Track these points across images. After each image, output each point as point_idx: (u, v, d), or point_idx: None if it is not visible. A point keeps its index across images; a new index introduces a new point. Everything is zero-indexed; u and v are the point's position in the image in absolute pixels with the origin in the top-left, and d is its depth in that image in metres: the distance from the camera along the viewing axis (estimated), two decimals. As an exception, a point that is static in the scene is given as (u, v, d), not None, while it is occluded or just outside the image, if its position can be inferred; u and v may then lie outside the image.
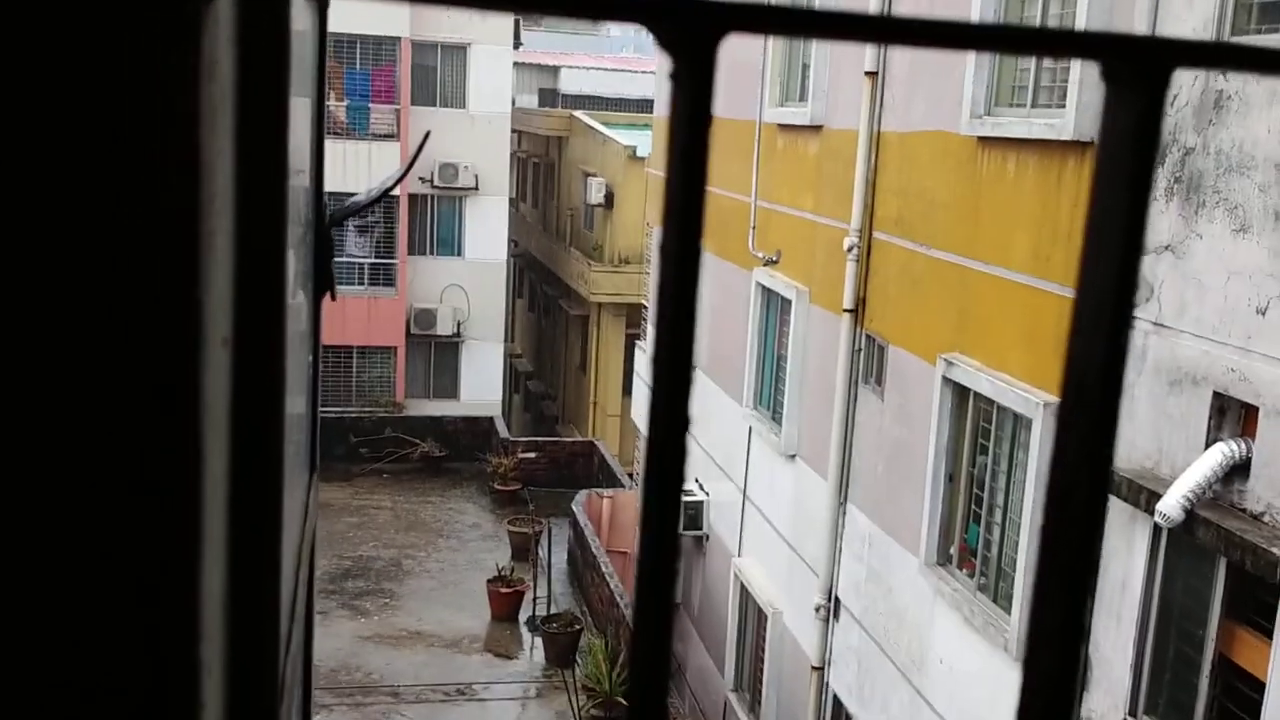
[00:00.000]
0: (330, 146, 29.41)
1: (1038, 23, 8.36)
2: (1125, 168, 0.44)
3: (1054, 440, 0.46)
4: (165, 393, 0.57)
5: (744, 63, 13.71)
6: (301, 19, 1.17)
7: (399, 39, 25.70)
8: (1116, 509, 7.16)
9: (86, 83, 0.50)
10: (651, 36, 0.43)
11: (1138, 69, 0.45)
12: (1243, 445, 6.23)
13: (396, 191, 25.39)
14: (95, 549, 0.56)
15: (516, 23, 27.77)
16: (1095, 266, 0.45)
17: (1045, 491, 0.48)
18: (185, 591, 0.59)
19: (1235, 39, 6.46)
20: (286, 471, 1.14)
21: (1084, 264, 0.45)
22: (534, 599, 17.74)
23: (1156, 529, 6.74)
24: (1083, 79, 7.56)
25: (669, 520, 0.45)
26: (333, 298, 1.66)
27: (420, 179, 26.08)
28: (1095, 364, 0.45)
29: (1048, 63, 8.32)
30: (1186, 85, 6.71)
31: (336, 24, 24.04)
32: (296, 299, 1.35)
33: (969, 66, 8.90)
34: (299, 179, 1.33)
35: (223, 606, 0.78)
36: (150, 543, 0.57)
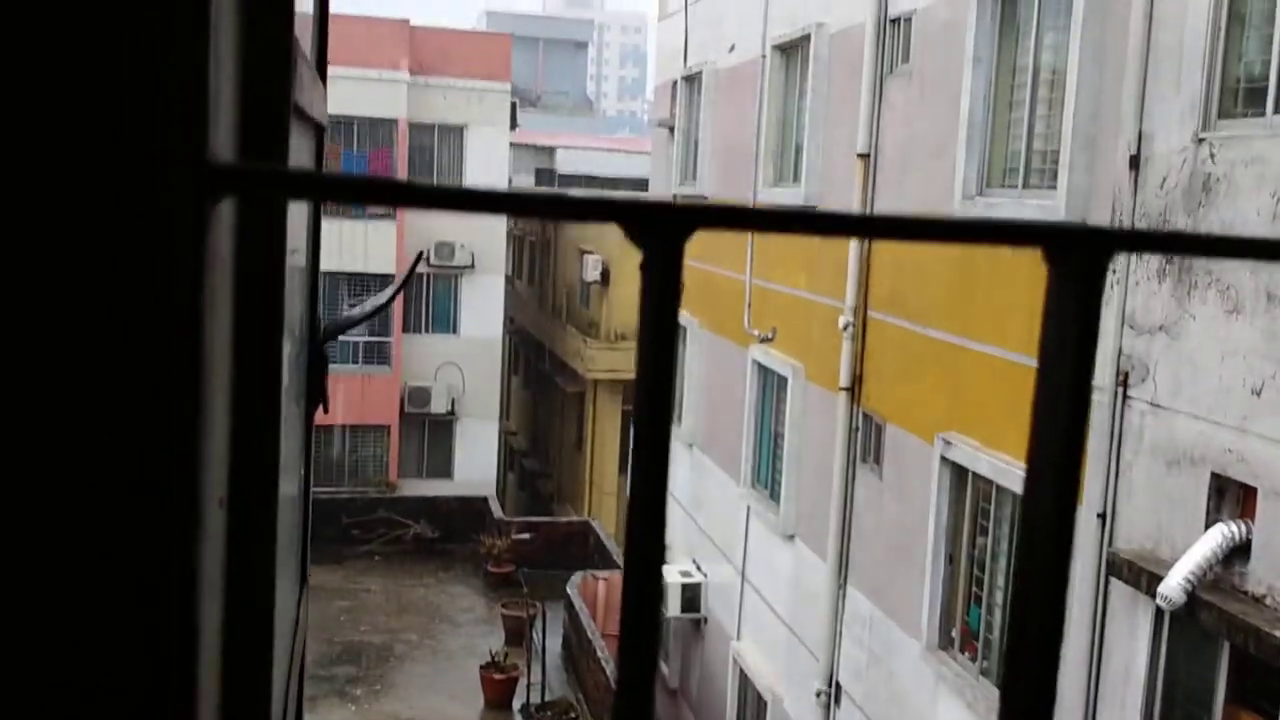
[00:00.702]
0: (327, 226, 29.70)
1: (1027, 108, 8.48)
2: (1070, 346, 0.47)
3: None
4: (162, 559, 0.57)
5: (738, 143, 13.89)
6: (300, 145, 1.18)
7: (396, 120, 26.03)
8: (1118, 591, 7.10)
9: (99, 280, 0.52)
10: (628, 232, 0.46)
11: (1078, 255, 0.48)
12: (1242, 526, 6.20)
13: (393, 271, 25.53)
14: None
15: (513, 104, 28.18)
16: (1042, 445, 0.48)
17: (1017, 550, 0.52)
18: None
19: (1222, 121, 6.55)
20: (276, 593, 1.13)
21: (1032, 441, 0.49)
22: (528, 685, 17.48)
23: (1159, 612, 6.67)
24: (1073, 161, 7.65)
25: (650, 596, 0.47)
26: (325, 411, 1.65)
27: (420, 262, 26.18)
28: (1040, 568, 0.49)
29: (1038, 144, 8.43)
30: (1175, 168, 6.79)
31: (335, 106, 24.39)
32: (293, 416, 1.34)
33: (960, 148, 9.01)
34: (297, 297, 1.33)
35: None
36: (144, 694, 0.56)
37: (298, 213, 1.31)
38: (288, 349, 1.28)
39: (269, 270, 0.78)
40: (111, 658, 0.56)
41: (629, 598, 0.46)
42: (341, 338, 26.14)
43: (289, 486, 1.34)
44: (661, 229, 0.45)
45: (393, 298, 2.34)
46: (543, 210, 0.48)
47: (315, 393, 1.58)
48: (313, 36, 1.51)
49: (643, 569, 0.46)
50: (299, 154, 1.15)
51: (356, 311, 2.31)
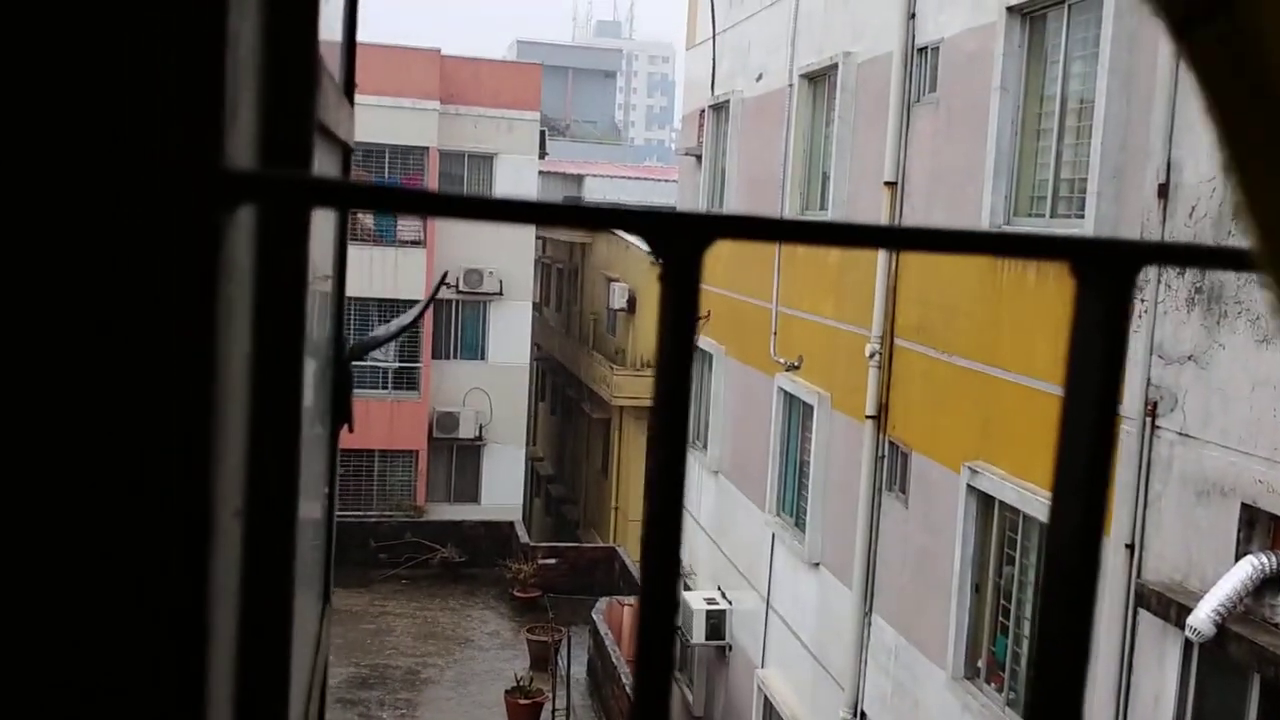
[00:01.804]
0: (358, 253, 29.66)
1: (1054, 137, 8.47)
2: (1096, 362, 0.46)
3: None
4: (171, 563, 0.57)
5: (766, 171, 13.92)
6: (325, 162, 1.21)
7: (427, 149, 26.24)
8: (1147, 622, 7.02)
9: (109, 284, 0.52)
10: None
11: (1104, 269, 0.47)
12: (1273, 558, 6.12)
13: (422, 297, 25.67)
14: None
15: (542, 133, 28.35)
16: (1067, 461, 0.47)
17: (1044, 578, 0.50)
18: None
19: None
20: (295, 610, 1.14)
21: (1057, 461, 0.47)
22: (553, 711, 17.41)
23: (1188, 644, 6.59)
24: (1100, 190, 7.63)
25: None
26: (350, 430, 1.67)
27: (445, 284, 26.38)
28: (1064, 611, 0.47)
29: (1066, 173, 8.41)
30: (1204, 197, 6.76)
31: (366, 134, 24.62)
32: (317, 435, 1.36)
33: (987, 176, 9.01)
34: (322, 315, 1.35)
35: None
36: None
37: (324, 232, 1.34)
38: (313, 367, 1.30)
39: (291, 282, 0.79)
40: (118, 662, 0.56)
41: (645, 598, 0.47)
42: (371, 363, 26.31)
43: (312, 505, 1.35)
44: (681, 238, 0.44)
45: (418, 317, 2.38)
46: (563, 219, 0.47)
47: (341, 412, 1.61)
48: (340, 59, 1.54)
49: (659, 587, 0.47)
50: (325, 172, 1.17)
51: (382, 331, 2.34)
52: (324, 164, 1.15)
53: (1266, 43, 0.41)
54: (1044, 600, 0.50)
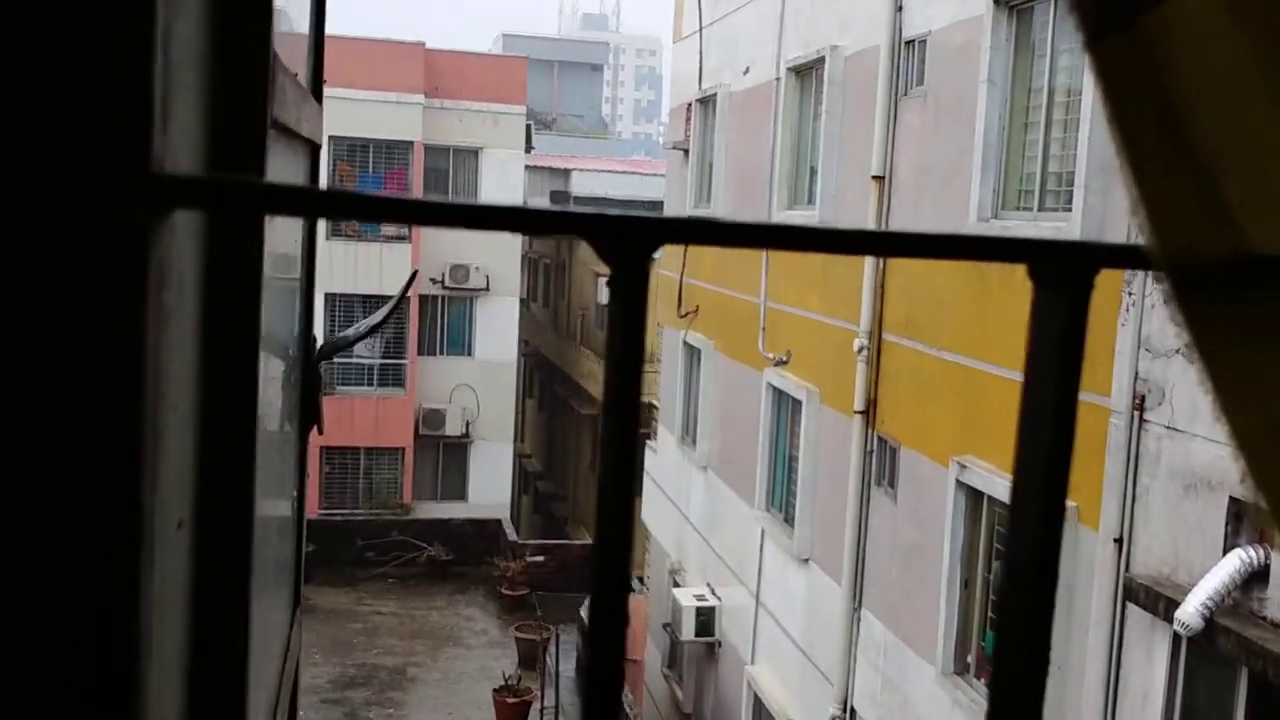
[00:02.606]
0: (342, 248, 29.57)
1: (1042, 130, 8.46)
2: (1053, 363, 0.46)
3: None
4: (105, 579, 0.55)
5: (753, 165, 13.90)
6: (287, 162, 1.17)
7: (412, 143, 26.16)
8: (1135, 616, 7.02)
9: (34, 293, 0.50)
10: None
11: (1062, 271, 0.47)
12: (1261, 552, 6.12)
13: (408, 293, 25.60)
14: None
15: (528, 127, 28.29)
16: (1027, 460, 0.48)
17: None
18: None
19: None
20: (259, 614, 1.11)
21: (1017, 459, 0.48)
22: (541, 709, 17.40)
23: (1176, 638, 6.59)
24: (1088, 184, 7.62)
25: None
26: (319, 432, 1.63)
27: (431, 280, 26.33)
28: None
29: (1054, 167, 8.40)
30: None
31: (350, 129, 24.55)
32: (283, 436, 1.32)
33: (975, 170, 8.99)
34: (289, 316, 1.31)
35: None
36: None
37: (290, 232, 1.29)
38: (278, 367, 1.26)
39: (243, 287, 0.76)
40: (50, 671, 0.54)
41: (597, 581, 0.46)
42: (356, 360, 26.23)
43: (278, 506, 1.31)
44: (627, 242, 0.44)
45: (387, 317, 2.33)
46: (505, 223, 0.46)
47: (309, 413, 1.57)
48: (308, 55, 1.50)
49: (609, 582, 0.46)
50: (286, 170, 1.13)
51: (351, 331, 2.30)
52: (285, 163, 1.11)
53: (1171, 55, 0.43)
54: (1001, 595, 0.51)
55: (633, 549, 0.47)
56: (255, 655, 1.04)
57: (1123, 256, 0.50)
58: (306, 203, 0.49)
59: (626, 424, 0.45)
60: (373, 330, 2.32)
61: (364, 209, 0.47)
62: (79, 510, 0.52)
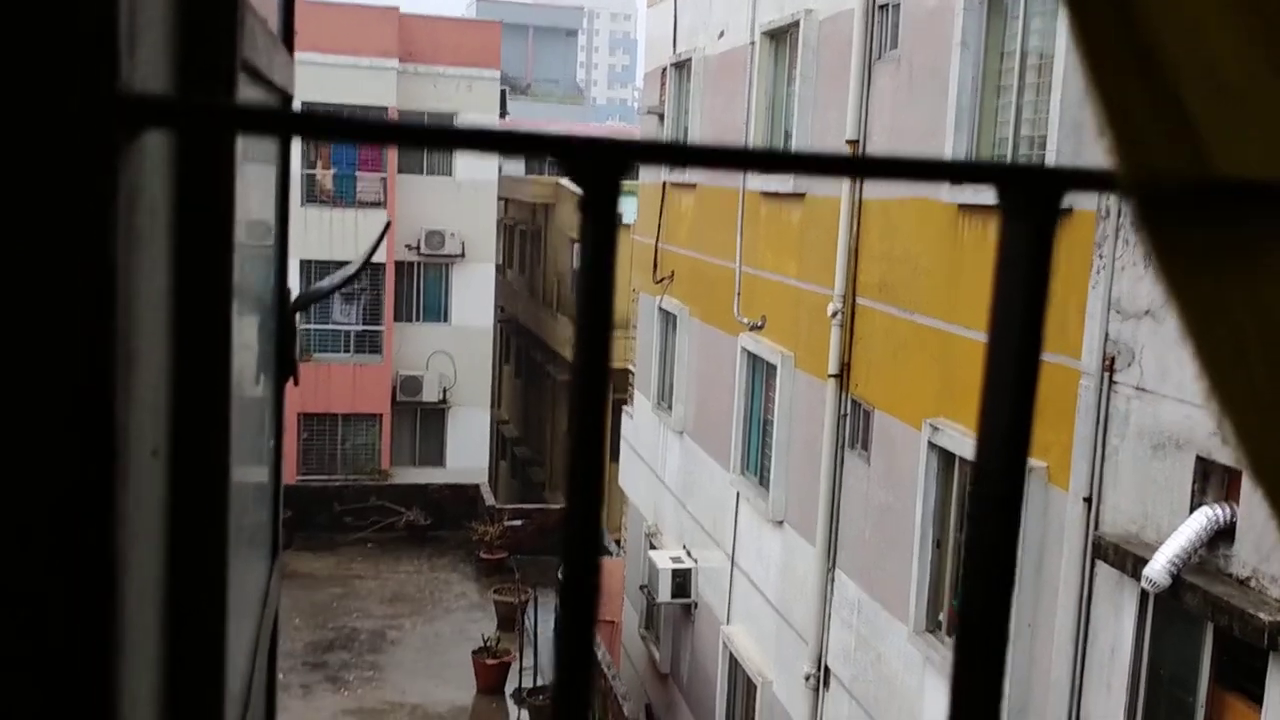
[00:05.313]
0: (318, 214, 29.32)
1: (1015, 93, 8.48)
2: (1021, 291, 0.46)
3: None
4: (79, 506, 0.56)
5: (728, 129, 13.87)
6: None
7: (386, 109, 25.94)
8: (1104, 574, 7.13)
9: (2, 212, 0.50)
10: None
11: (1030, 194, 0.46)
12: (1227, 509, 6.22)
13: (383, 260, 25.49)
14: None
15: (503, 92, 28.10)
16: (993, 391, 0.48)
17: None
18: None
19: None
20: (237, 563, 1.13)
21: (985, 387, 0.48)
22: (520, 670, 17.52)
23: (1144, 594, 6.70)
24: (1060, 146, 7.66)
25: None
26: (295, 383, 1.64)
27: (407, 246, 26.21)
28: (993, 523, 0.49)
29: (1026, 129, 8.43)
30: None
31: (323, 94, 24.31)
32: (259, 384, 1.34)
33: (949, 132, 9.01)
34: (262, 266, 1.32)
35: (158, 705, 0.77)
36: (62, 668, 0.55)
37: (263, 181, 1.30)
38: (253, 314, 1.28)
39: (215, 212, 0.77)
40: (23, 594, 0.55)
41: (569, 538, 0.48)
42: (333, 326, 26.10)
43: (253, 455, 1.33)
44: (597, 162, 0.45)
45: (361, 267, 2.34)
46: (475, 144, 0.47)
47: (285, 364, 1.58)
48: (278, 6, 1.50)
49: (581, 534, 0.48)
50: (256, 116, 1.14)
51: (326, 282, 2.32)
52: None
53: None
54: (969, 542, 0.50)
55: (605, 469, 0.47)
56: (234, 594, 1.06)
57: (1090, 180, 0.50)
58: (277, 123, 0.50)
59: (597, 346, 0.45)
60: (348, 280, 2.33)
61: (335, 130, 0.48)
62: (53, 429, 0.53)
